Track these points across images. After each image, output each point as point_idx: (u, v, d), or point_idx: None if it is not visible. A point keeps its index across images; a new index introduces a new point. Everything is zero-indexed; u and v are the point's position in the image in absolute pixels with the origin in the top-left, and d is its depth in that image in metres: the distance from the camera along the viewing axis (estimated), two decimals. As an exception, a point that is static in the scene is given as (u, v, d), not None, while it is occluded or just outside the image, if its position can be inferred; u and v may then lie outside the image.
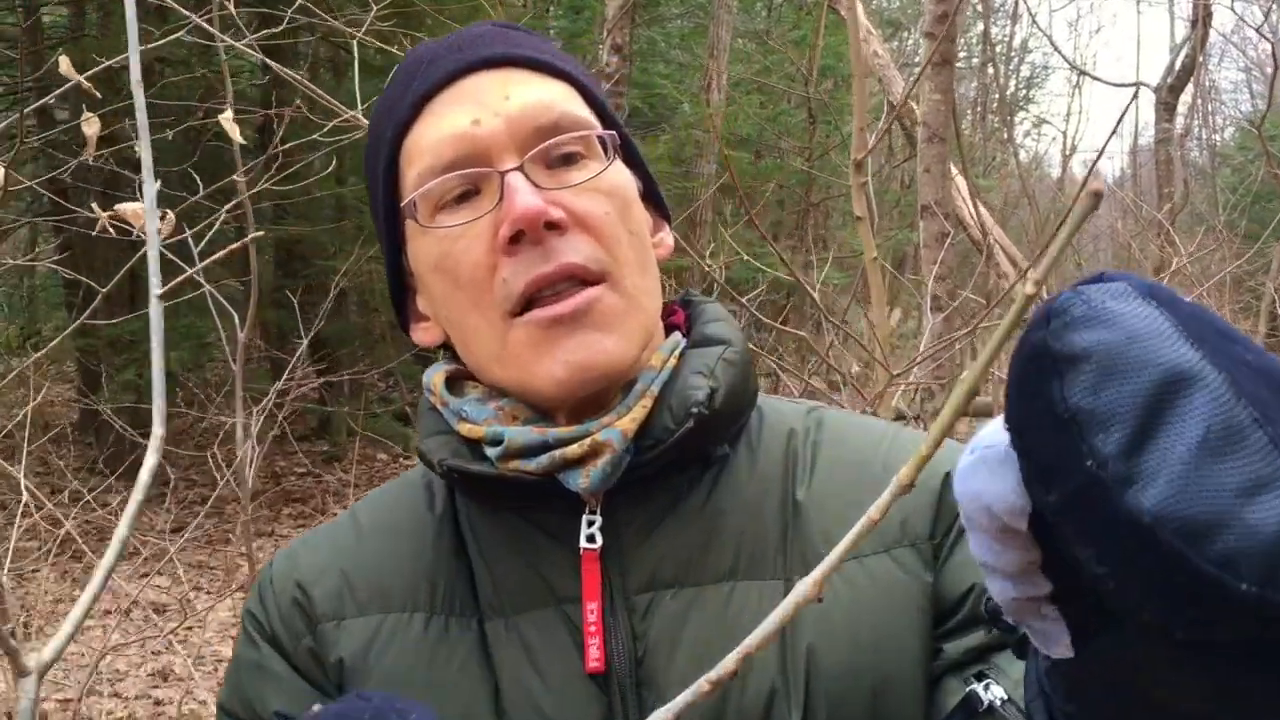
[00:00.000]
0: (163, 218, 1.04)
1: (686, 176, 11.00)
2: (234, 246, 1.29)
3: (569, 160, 0.87)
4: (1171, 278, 5.15)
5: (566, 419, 0.88)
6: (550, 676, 0.85)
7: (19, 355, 11.08)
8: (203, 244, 2.73)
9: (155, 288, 0.77)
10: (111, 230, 1.18)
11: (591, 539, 0.86)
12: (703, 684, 0.45)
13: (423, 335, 0.96)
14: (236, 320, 2.60)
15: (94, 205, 1.26)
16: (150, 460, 0.70)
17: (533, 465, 0.84)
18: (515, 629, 0.87)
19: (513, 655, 0.86)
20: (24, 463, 3.52)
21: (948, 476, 0.87)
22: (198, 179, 2.67)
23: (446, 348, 0.95)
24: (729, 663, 0.45)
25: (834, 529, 0.86)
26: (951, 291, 3.40)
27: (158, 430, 0.69)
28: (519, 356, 0.85)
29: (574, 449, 0.84)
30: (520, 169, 0.84)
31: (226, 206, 2.88)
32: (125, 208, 1.33)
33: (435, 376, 0.93)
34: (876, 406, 2.36)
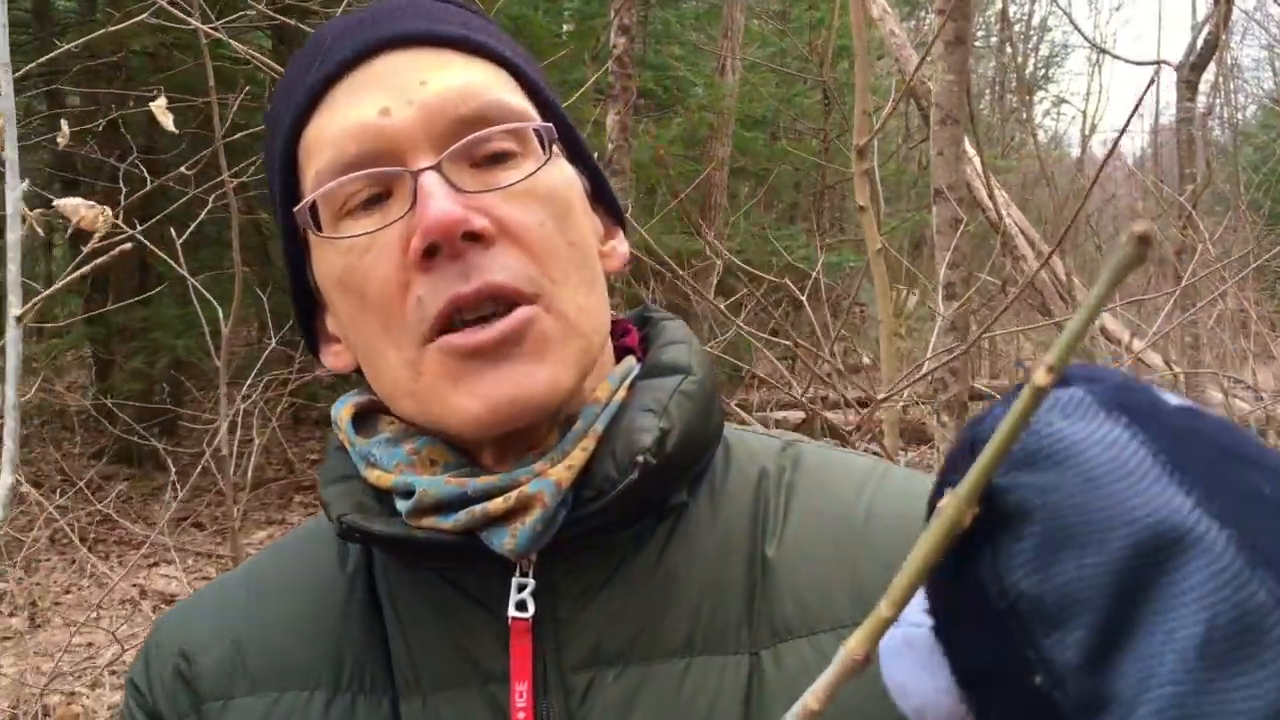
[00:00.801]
0: (24, 221, 0.95)
1: (700, 160, 10.87)
2: (108, 244, 1.18)
3: (498, 159, 0.73)
4: (1194, 261, 5.02)
5: (494, 459, 0.76)
6: None
7: (36, 341, 11.12)
8: (186, 234, 2.66)
9: (14, 308, 0.67)
10: (40, 230, 1.10)
11: (522, 606, 0.73)
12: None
13: (333, 360, 0.82)
14: (220, 313, 2.51)
15: (21, 206, 1.18)
16: None
17: (449, 523, 0.71)
18: (434, 711, 0.74)
19: None
20: (5, 453, 3.44)
21: None
22: (189, 173, 2.58)
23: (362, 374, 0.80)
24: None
25: (808, 593, 0.74)
26: (966, 278, 3.28)
27: (6, 479, 0.60)
28: (433, 390, 0.71)
29: (497, 503, 0.70)
30: (437, 168, 0.71)
31: (217, 194, 2.80)
32: (64, 204, 1.24)
33: (343, 410, 0.80)
34: (871, 428, 2.25)
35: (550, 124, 0.76)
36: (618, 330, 0.85)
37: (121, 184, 2.49)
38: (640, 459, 0.70)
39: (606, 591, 0.74)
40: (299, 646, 0.78)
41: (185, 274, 2.50)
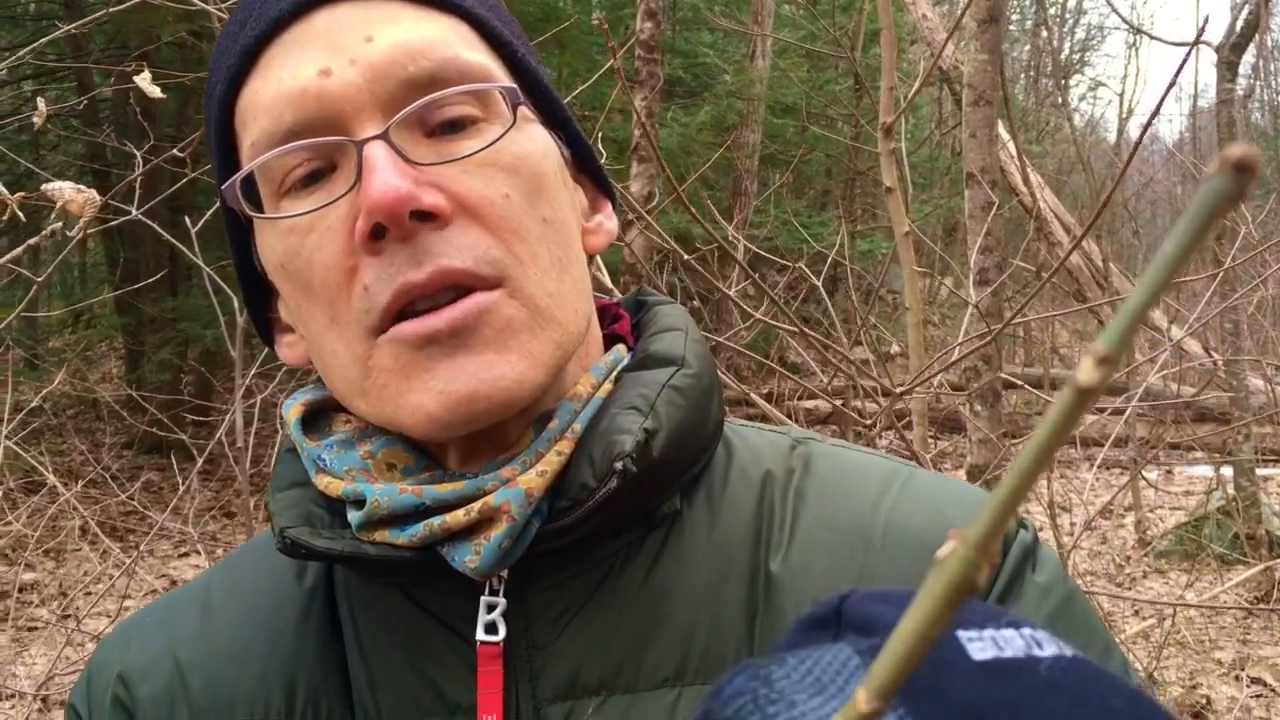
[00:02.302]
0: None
1: (730, 147, 10.78)
2: (32, 242, 1.13)
3: (456, 126, 0.64)
4: (1234, 246, 4.89)
5: (460, 461, 0.68)
6: None
7: (71, 332, 11.21)
8: (201, 223, 2.62)
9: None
10: (22, 216, 1.05)
11: (492, 629, 0.65)
12: None
13: (287, 352, 0.73)
14: (235, 303, 2.47)
15: (-1, 187, 1.13)
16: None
17: (404, 538, 0.63)
18: None
19: None
20: (3, 445, 3.45)
21: (1006, 541, 0.67)
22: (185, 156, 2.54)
23: None
24: None
25: None
26: (1000, 264, 3.20)
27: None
28: (385, 386, 0.63)
29: (458, 516, 0.62)
30: (383, 137, 0.62)
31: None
32: (52, 188, 1.20)
33: (292, 409, 0.72)
34: (886, 420, 2.17)
35: (515, 85, 0.67)
36: (608, 316, 0.77)
37: (137, 168, 2.46)
38: (619, 465, 0.62)
39: (587, 612, 0.66)
40: (248, 671, 0.71)
41: (201, 263, 2.46)
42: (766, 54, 11.27)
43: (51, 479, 4.07)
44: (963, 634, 0.36)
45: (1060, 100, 14.00)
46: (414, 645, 0.68)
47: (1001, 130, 4.70)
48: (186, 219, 2.59)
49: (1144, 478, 7.12)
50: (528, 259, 0.64)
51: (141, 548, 4.22)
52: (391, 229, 0.61)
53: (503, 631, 0.65)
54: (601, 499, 0.63)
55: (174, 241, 2.58)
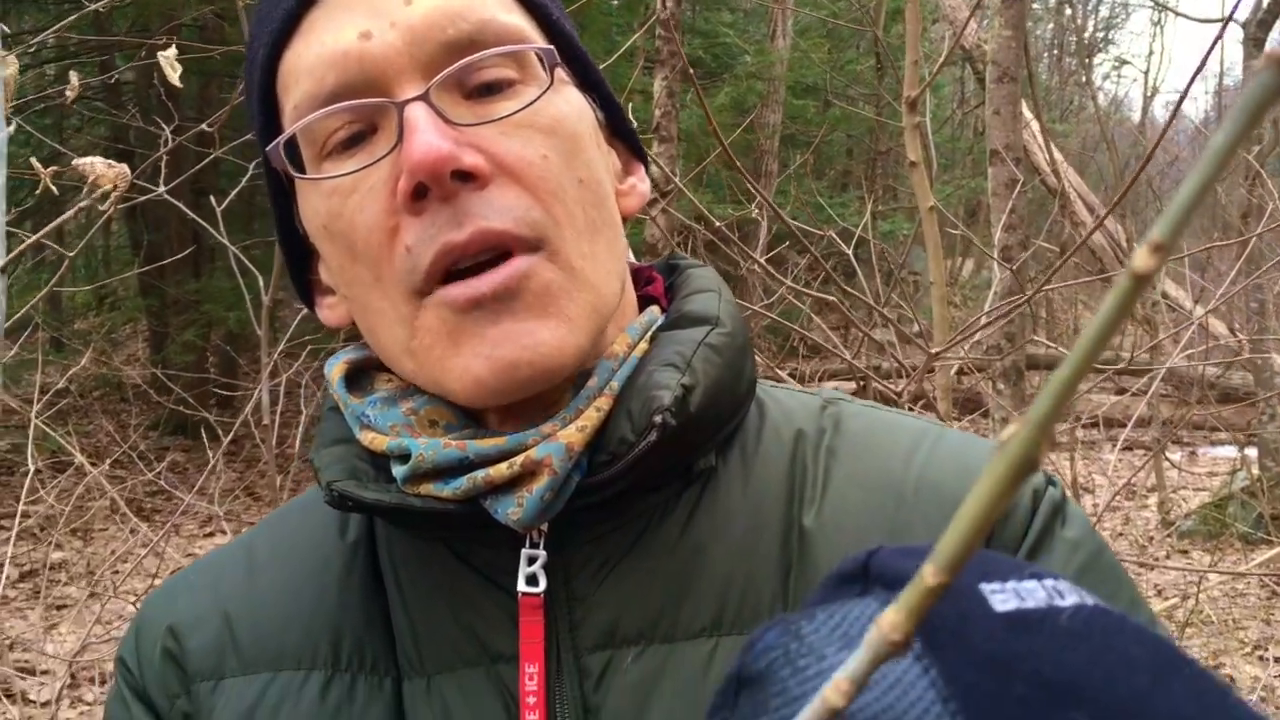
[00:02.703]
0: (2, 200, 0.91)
1: (750, 128, 10.74)
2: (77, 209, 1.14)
3: (494, 88, 0.66)
4: (1261, 223, 4.85)
5: (499, 419, 0.69)
6: None
7: (95, 314, 11.30)
8: (226, 202, 2.64)
9: (-10, 256, 0.63)
10: (54, 189, 1.07)
11: (533, 581, 0.67)
12: None
13: (328, 314, 0.75)
14: (261, 282, 2.49)
15: (33, 161, 1.15)
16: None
17: (448, 490, 0.65)
18: (438, 693, 0.68)
19: None
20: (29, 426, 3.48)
21: (1035, 496, 0.68)
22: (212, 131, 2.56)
23: None
24: None
25: None
26: (1023, 241, 3.18)
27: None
28: (431, 349, 0.65)
29: (501, 469, 0.64)
30: (424, 98, 0.63)
31: (255, 161, 2.77)
32: (82, 163, 1.21)
33: (335, 367, 0.73)
34: (921, 380, 2.17)
35: (552, 46, 0.69)
36: (641, 278, 0.78)
37: (163, 147, 2.47)
38: (659, 418, 0.64)
39: (626, 565, 0.68)
40: (294, 624, 0.73)
41: (226, 242, 2.48)
42: (787, 34, 11.22)
43: (79, 457, 4.12)
44: (985, 586, 0.37)
45: (1084, 78, 13.89)
46: (456, 597, 0.69)
47: (1025, 110, 4.68)
48: (212, 198, 2.61)
49: (1167, 458, 7.08)
50: (564, 220, 0.65)
51: (169, 525, 4.26)
52: (434, 188, 0.62)
53: (543, 584, 0.67)
54: (641, 452, 0.64)
55: (198, 220, 2.59)
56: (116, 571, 5.92)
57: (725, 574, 0.68)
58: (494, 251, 0.64)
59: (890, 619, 0.24)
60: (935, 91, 10.98)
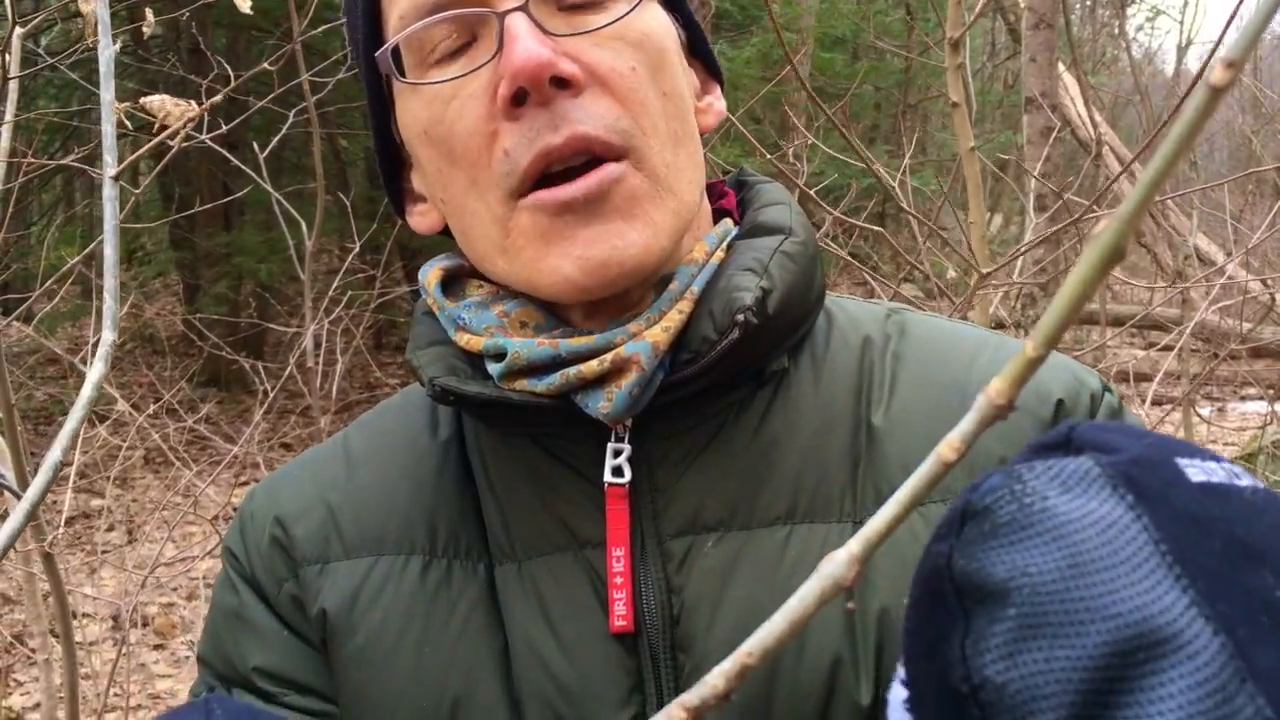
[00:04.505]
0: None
1: (779, 83, 10.66)
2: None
3: (587, 4, 0.69)
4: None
5: (585, 320, 0.73)
6: (567, 636, 0.71)
7: (126, 268, 11.39)
8: (270, 147, 2.67)
9: (110, 167, 0.67)
10: (129, 124, 1.10)
11: (618, 472, 0.71)
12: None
13: (419, 221, 0.80)
14: (304, 229, 2.53)
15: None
16: (97, 370, 0.61)
17: (542, 386, 0.69)
18: (529, 576, 0.73)
19: (525, 608, 0.72)
20: (106, 311, 3.54)
21: (1060, 405, 0.71)
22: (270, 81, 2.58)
23: (451, 235, 0.78)
24: (715, 678, 0.29)
25: (917, 463, 0.69)
26: (1059, 189, 3.18)
27: (108, 336, 0.60)
28: (524, 249, 0.69)
29: (592, 365, 0.68)
30: (524, 9, 0.66)
31: (296, 109, 2.80)
32: (150, 101, 1.24)
33: (430, 274, 0.78)
34: (966, 312, 2.19)
35: None
36: (714, 193, 0.82)
37: (202, 99, 2.50)
38: (740, 318, 0.68)
39: (705, 458, 0.72)
40: (393, 514, 0.77)
41: (269, 188, 2.51)
42: (816, -15, 11.09)
43: (122, 404, 4.20)
44: (1180, 460, 0.40)
45: (1118, 29, 13.69)
46: (545, 488, 0.74)
47: (1059, 61, 4.64)
48: (254, 145, 2.64)
49: (1196, 412, 7.06)
50: (650, 130, 0.69)
51: (217, 471, 4.34)
52: (533, 94, 0.66)
53: (628, 475, 0.71)
54: (723, 350, 0.68)
55: (242, 166, 2.62)
56: (162, 518, 6.04)
57: (798, 467, 0.72)
58: (585, 155, 0.67)
59: (997, 386, 0.28)
60: (968, 40, 10.83)
